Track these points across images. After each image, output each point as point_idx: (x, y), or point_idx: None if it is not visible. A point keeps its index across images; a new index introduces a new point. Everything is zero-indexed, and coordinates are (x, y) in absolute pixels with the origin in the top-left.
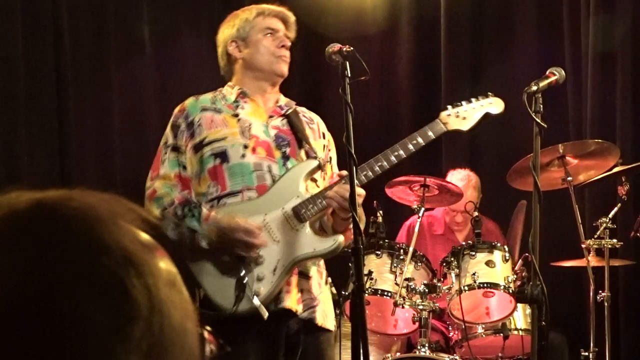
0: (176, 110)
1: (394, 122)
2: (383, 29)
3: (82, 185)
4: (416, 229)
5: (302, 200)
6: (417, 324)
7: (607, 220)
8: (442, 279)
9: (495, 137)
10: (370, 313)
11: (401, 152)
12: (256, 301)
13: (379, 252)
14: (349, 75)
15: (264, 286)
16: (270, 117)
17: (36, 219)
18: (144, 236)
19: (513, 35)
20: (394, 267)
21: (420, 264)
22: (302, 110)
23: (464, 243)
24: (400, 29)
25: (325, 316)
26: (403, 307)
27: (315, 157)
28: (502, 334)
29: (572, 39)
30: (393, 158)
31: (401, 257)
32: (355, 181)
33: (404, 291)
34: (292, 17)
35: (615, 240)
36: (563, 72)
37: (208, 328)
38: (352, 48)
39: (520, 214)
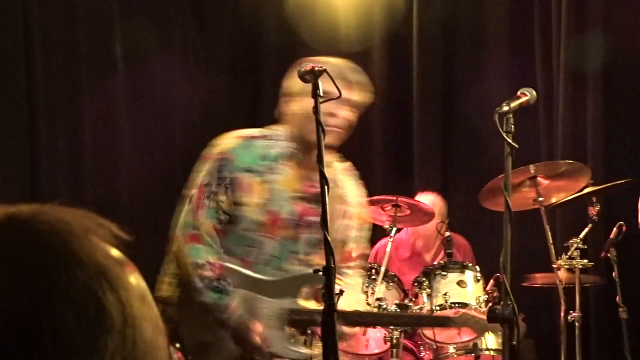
0: (222, 151)
1: (366, 143)
2: (356, 49)
3: (53, 202)
4: (388, 248)
5: (298, 308)
6: (388, 344)
7: (578, 241)
8: (413, 299)
9: (467, 157)
10: None
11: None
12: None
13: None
14: (321, 94)
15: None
16: (301, 192)
17: (9, 232)
18: (115, 252)
19: (485, 56)
20: (366, 287)
21: (392, 284)
22: (343, 186)
23: (435, 263)
24: (373, 50)
25: None
26: (374, 327)
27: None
28: (473, 354)
29: (544, 60)
30: None
31: (373, 277)
32: None
33: (375, 311)
34: (363, 81)
35: (586, 261)
36: (534, 92)
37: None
38: (324, 67)
39: None
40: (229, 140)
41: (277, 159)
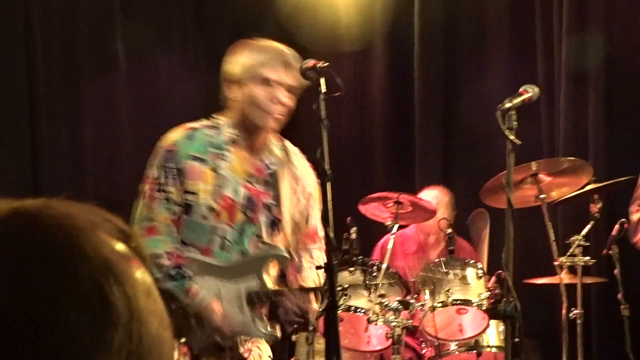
0: (166, 145)
1: (368, 140)
2: (357, 47)
3: (57, 197)
4: (389, 246)
5: (259, 287)
6: (390, 340)
7: (580, 238)
8: (415, 296)
9: (468, 154)
10: (344, 329)
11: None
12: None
13: (353, 269)
14: (324, 91)
15: (195, 345)
16: (250, 175)
17: (15, 226)
18: (121, 246)
19: (487, 53)
20: (368, 283)
21: (393, 280)
22: (293, 165)
23: (437, 260)
24: (374, 47)
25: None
26: (376, 324)
27: (285, 222)
28: (475, 351)
29: (546, 57)
30: None
31: (374, 274)
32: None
33: (377, 308)
34: (295, 62)
35: (588, 258)
36: (537, 89)
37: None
38: (326, 64)
39: (482, 222)
40: (173, 134)
41: (223, 146)
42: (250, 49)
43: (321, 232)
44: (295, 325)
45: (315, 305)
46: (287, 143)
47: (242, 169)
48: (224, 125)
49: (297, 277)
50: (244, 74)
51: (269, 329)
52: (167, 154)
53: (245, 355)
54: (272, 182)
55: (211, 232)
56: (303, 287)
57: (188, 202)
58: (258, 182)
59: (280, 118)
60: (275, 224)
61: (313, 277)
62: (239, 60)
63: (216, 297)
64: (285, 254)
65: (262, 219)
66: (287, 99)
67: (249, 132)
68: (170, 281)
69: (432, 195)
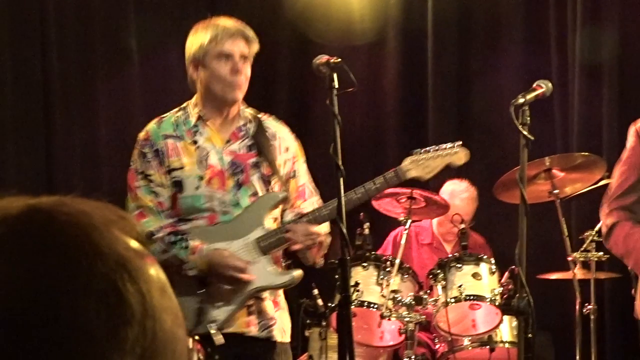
0: (141, 137)
1: (381, 134)
2: (370, 40)
3: (71, 195)
4: (402, 241)
5: (264, 232)
6: (403, 336)
7: (594, 233)
8: (428, 291)
9: (482, 150)
10: (357, 325)
11: (358, 195)
12: (212, 328)
13: (366, 264)
14: (337, 86)
15: (221, 313)
16: (228, 141)
17: (31, 223)
18: (135, 243)
19: (500, 48)
20: (381, 279)
21: (406, 276)
22: (266, 125)
23: (450, 255)
24: (388, 41)
25: (284, 332)
26: (389, 319)
27: (276, 174)
28: (488, 347)
29: (559, 52)
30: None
31: (388, 269)
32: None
33: (390, 303)
34: (248, 32)
35: (601, 253)
36: (550, 84)
37: (196, 337)
38: (339, 59)
39: None
40: (145, 127)
41: (194, 123)
42: (200, 29)
43: (309, 186)
44: (315, 252)
45: (322, 228)
46: (260, 114)
47: (218, 138)
48: (191, 107)
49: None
50: (200, 52)
51: (288, 273)
52: (142, 142)
53: (271, 323)
54: (252, 142)
55: (208, 200)
56: (302, 213)
57: (176, 178)
58: (238, 145)
59: (243, 87)
60: (267, 179)
61: (309, 207)
62: (194, 42)
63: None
64: (280, 194)
65: (254, 178)
66: (244, 68)
67: (218, 107)
68: (172, 248)
69: (460, 189)
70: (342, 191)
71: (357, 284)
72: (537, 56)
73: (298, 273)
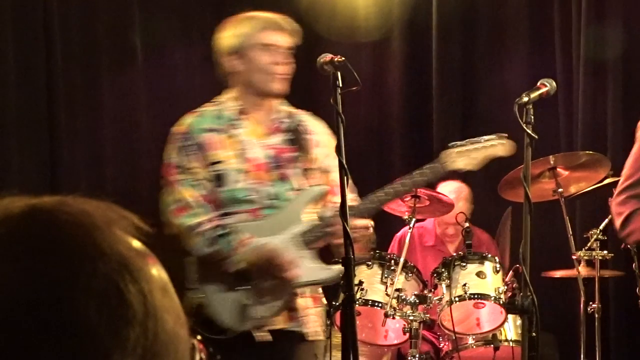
0: (178, 130)
1: (385, 132)
2: (375, 39)
3: (74, 194)
4: (407, 240)
5: (307, 226)
6: (407, 334)
7: (598, 232)
8: (432, 290)
9: None
10: (361, 324)
11: (399, 189)
12: (257, 324)
13: (370, 263)
14: (341, 85)
15: (266, 310)
16: (267, 135)
17: (32, 223)
18: (137, 243)
19: (505, 46)
20: (385, 277)
21: (411, 274)
22: (302, 120)
23: (454, 254)
24: (392, 40)
25: (321, 330)
26: (394, 318)
27: (314, 168)
28: (492, 345)
29: (564, 50)
30: (383, 195)
31: (392, 268)
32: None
33: (394, 302)
34: (292, 25)
35: (605, 252)
36: (554, 83)
37: (199, 337)
38: (343, 58)
39: (507, 220)
40: (181, 121)
41: (232, 117)
42: (243, 20)
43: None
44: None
45: (360, 221)
46: (295, 110)
47: (258, 132)
48: (226, 101)
49: None
50: (243, 43)
51: (332, 268)
52: (181, 135)
53: (310, 319)
54: (290, 137)
55: (251, 193)
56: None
57: (217, 172)
58: (277, 140)
59: (286, 79)
60: (304, 173)
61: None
62: (235, 33)
63: None
64: (322, 188)
65: (292, 172)
66: (288, 60)
67: (257, 99)
68: (219, 241)
69: (450, 189)
70: (346, 190)
71: (361, 282)
72: (541, 54)
73: (341, 268)
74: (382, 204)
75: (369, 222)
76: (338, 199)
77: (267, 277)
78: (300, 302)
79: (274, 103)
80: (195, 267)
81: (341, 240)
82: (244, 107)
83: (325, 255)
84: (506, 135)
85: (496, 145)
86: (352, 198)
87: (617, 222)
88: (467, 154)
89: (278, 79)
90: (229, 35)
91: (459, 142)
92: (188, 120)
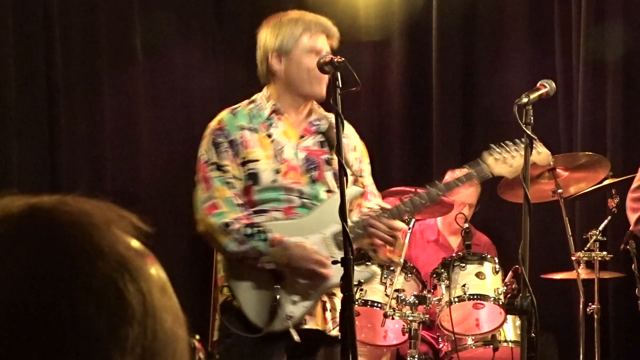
0: (213, 126)
1: (385, 133)
2: (375, 39)
3: (74, 193)
4: (406, 241)
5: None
6: (406, 335)
7: (597, 233)
8: (432, 290)
9: (486, 149)
10: (360, 324)
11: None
12: (289, 324)
13: (369, 263)
14: (341, 85)
15: (297, 310)
16: (302, 136)
17: (31, 222)
18: (136, 243)
19: (505, 47)
20: (384, 278)
21: (410, 275)
22: (334, 123)
23: (454, 254)
24: (393, 40)
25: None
26: (393, 318)
27: (352, 174)
28: (491, 346)
29: (564, 50)
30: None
31: (391, 268)
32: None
33: (393, 302)
34: (335, 30)
35: (605, 253)
36: (554, 84)
37: (197, 336)
38: (343, 59)
39: None
40: (216, 117)
41: (268, 116)
42: (288, 20)
43: (372, 187)
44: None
45: (398, 223)
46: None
47: (293, 132)
48: (264, 100)
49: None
50: (290, 44)
51: (367, 269)
52: (215, 132)
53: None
54: (324, 139)
55: (286, 192)
56: (383, 207)
57: (252, 170)
58: (311, 141)
59: (326, 82)
60: (336, 177)
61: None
62: (282, 32)
63: None
64: (358, 189)
65: (327, 174)
66: None
67: (296, 101)
68: (250, 240)
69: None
70: (345, 189)
71: (360, 282)
72: (541, 55)
73: (377, 270)
74: (416, 210)
75: (404, 226)
76: (370, 203)
77: (299, 276)
78: (336, 302)
79: (310, 105)
80: (226, 265)
81: (379, 242)
82: (279, 106)
83: (357, 257)
84: (542, 143)
85: (534, 155)
86: (378, 203)
87: (633, 217)
88: (506, 161)
89: (323, 82)
90: (274, 34)
91: (492, 146)
92: (222, 116)
